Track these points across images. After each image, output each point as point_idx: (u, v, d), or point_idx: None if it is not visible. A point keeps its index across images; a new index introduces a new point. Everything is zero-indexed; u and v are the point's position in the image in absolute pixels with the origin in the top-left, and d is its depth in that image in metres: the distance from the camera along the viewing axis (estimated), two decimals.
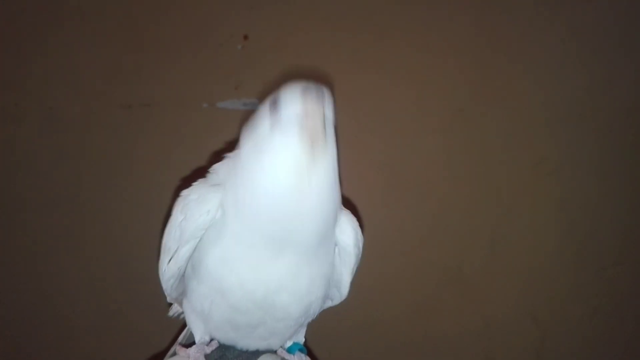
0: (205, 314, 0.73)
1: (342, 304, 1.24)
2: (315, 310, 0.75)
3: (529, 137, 1.37)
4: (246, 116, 0.97)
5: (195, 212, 0.68)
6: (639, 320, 1.39)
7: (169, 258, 0.73)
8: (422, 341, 1.35)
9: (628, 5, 1.40)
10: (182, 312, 0.87)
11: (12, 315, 1.30)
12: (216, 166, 0.75)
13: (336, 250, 0.75)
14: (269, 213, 0.62)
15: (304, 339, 0.84)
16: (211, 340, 0.78)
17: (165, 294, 0.81)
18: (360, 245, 0.76)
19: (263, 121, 0.63)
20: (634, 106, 1.38)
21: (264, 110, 0.64)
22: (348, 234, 0.73)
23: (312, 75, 0.67)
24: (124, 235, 1.28)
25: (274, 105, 0.62)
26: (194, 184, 0.75)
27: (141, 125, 1.28)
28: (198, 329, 0.78)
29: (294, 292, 0.68)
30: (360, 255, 0.78)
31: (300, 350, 0.82)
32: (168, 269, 0.74)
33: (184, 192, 0.73)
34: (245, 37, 1.28)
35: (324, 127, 0.60)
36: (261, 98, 1.25)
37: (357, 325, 1.33)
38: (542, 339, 1.37)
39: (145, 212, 1.27)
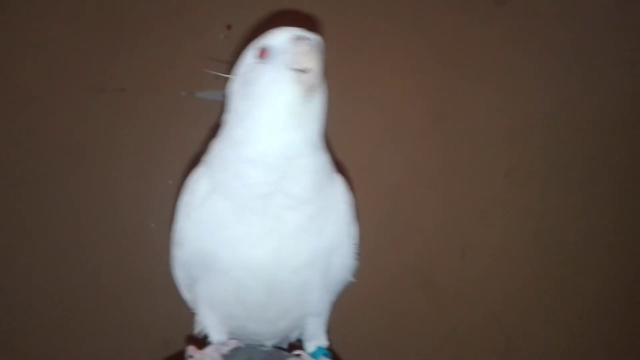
0: (215, 301, 0.73)
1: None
2: (315, 290, 0.74)
3: (501, 146, 1.40)
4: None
5: (194, 189, 0.70)
6: (598, 328, 1.44)
7: (179, 246, 0.74)
8: (391, 344, 1.35)
9: (598, 21, 1.46)
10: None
11: None
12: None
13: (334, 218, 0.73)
14: (266, 149, 0.62)
15: (327, 342, 0.83)
16: (229, 339, 0.77)
17: (180, 290, 0.83)
18: (350, 201, 0.76)
19: (255, 71, 0.64)
20: (602, 119, 1.43)
21: (252, 60, 0.66)
22: (339, 192, 0.74)
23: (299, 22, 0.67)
24: (93, 223, 1.22)
25: (263, 53, 0.64)
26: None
27: (114, 110, 1.22)
28: (213, 326, 0.76)
29: (295, 268, 0.69)
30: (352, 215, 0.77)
31: (325, 355, 0.81)
32: (179, 257, 0.75)
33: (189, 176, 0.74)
34: (229, 27, 1.25)
35: (319, 73, 0.60)
36: None
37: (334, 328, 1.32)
38: (506, 344, 1.40)
39: (115, 200, 1.22)
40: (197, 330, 0.83)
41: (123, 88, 1.22)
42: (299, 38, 0.62)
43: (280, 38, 0.63)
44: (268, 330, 0.77)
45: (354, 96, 1.31)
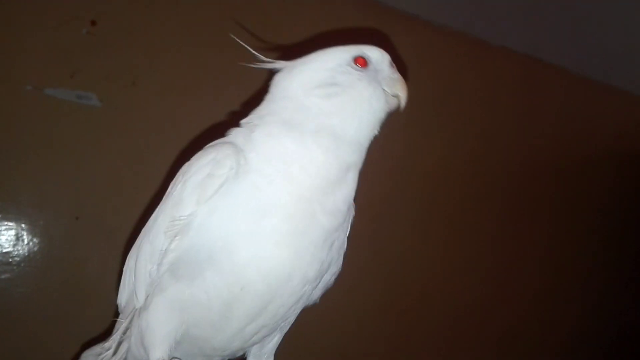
0: (192, 306, 0.64)
1: None
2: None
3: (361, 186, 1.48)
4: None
5: (215, 171, 0.63)
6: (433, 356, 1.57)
7: (174, 231, 0.63)
8: None
9: (443, 72, 1.66)
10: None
11: None
12: (235, 131, 0.70)
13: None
14: (347, 146, 0.66)
15: None
16: (171, 358, 0.66)
17: (139, 291, 0.67)
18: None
19: (351, 76, 0.67)
20: (443, 163, 1.62)
21: (346, 63, 0.68)
22: (353, 210, 0.74)
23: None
24: None
25: (364, 64, 0.68)
26: (206, 148, 0.68)
27: None
28: (162, 337, 0.65)
29: (304, 278, 0.65)
30: None
31: None
32: (176, 248, 0.63)
33: (196, 157, 0.67)
34: (93, 23, 1.14)
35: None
36: (100, 93, 1.15)
37: None
38: None
39: None
40: (112, 343, 0.71)
41: None
42: (393, 64, 0.70)
43: (381, 56, 0.70)
44: (235, 345, 0.69)
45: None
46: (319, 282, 0.70)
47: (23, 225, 1.07)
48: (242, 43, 0.72)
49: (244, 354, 0.77)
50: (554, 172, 1.89)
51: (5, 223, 1.06)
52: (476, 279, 1.67)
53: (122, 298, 0.71)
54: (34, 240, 1.08)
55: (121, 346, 0.71)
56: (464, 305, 1.64)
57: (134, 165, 1.18)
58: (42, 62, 1.10)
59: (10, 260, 1.06)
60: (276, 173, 0.63)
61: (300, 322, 1.33)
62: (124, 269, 0.72)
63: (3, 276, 1.05)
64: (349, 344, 1.44)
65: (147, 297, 0.67)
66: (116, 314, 0.75)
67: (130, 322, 0.70)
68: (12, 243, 1.06)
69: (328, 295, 1.37)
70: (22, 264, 1.07)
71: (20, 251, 1.07)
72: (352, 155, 0.66)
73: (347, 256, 1.40)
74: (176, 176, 0.68)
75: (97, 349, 0.76)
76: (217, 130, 1.21)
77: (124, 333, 0.71)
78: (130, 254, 0.71)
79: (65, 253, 1.10)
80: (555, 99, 1.94)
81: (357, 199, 1.50)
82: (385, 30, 1.56)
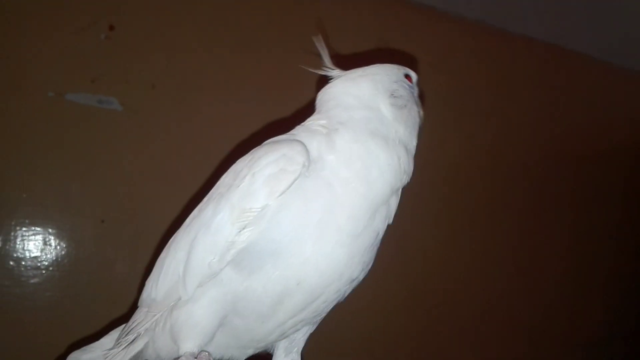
0: (244, 297, 0.65)
1: None
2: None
3: None
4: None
5: (288, 165, 0.64)
6: (459, 352, 1.55)
7: (244, 222, 0.64)
8: None
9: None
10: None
11: None
12: (298, 132, 0.72)
13: None
14: (409, 150, 0.72)
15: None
16: (200, 352, 0.66)
17: (190, 282, 0.66)
18: None
19: (406, 90, 0.75)
20: (461, 163, 1.59)
21: (402, 78, 0.76)
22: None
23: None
24: None
25: (410, 82, 0.77)
26: (267, 144, 0.69)
27: None
28: (200, 328, 0.66)
29: (351, 279, 0.68)
30: None
31: None
32: (248, 235, 0.64)
33: (262, 151, 0.67)
34: (112, 28, 1.15)
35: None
36: (121, 97, 1.16)
37: None
38: None
39: None
40: (130, 336, 0.71)
41: None
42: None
43: (417, 78, 0.79)
44: (273, 337, 0.71)
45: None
46: (359, 281, 0.72)
47: (50, 230, 1.09)
48: (320, 48, 0.74)
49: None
50: (578, 163, 1.85)
51: (33, 228, 1.08)
52: (501, 273, 1.64)
53: (159, 292, 0.69)
54: (61, 244, 1.09)
55: (139, 341, 0.71)
56: (489, 300, 1.61)
57: (157, 167, 1.18)
58: (62, 68, 1.11)
59: (39, 264, 1.08)
60: (354, 175, 0.66)
61: (328, 319, 1.33)
62: (163, 262, 0.71)
63: (32, 280, 1.07)
64: (375, 341, 1.43)
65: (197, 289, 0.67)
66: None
67: (161, 315, 0.69)
68: (40, 248, 1.08)
69: (355, 292, 1.38)
70: (50, 268, 1.08)
71: (48, 255, 1.08)
72: (410, 165, 0.71)
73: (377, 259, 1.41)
74: (236, 170, 0.68)
75: (92, 348, 0.78)
76: (238, 130, 1.23)
77: (147, 327, 0.70)
78: (174, 247, 0.70)
79: (92, 256, 1.12)
80: (579, 87, 1.89)
81: None
82: (402, 23, 1.55)
